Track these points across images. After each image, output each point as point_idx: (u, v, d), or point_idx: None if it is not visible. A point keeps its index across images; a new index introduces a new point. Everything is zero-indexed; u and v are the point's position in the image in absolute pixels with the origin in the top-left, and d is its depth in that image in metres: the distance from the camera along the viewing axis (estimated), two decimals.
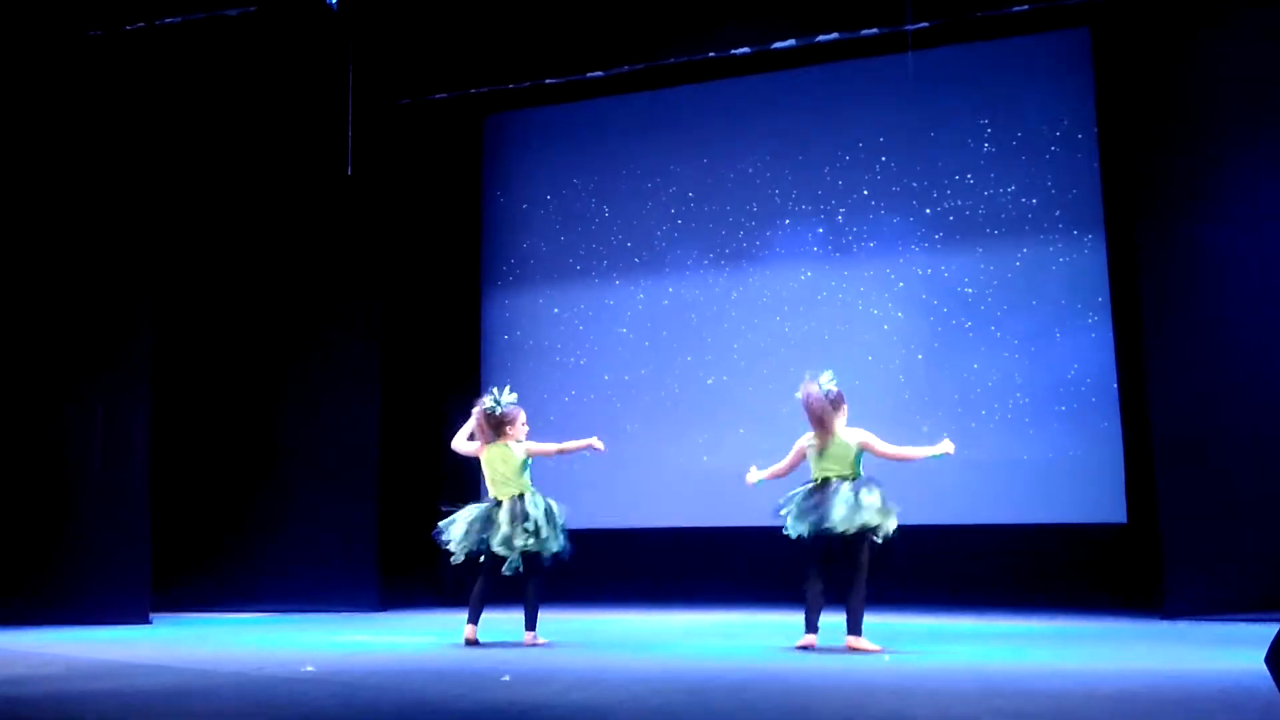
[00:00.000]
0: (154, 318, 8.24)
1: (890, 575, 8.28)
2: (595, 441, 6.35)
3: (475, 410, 6.30)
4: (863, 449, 5.65)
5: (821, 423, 5.64)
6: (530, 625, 6.18)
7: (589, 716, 3.92)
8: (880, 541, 5.58)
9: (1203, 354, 6.92)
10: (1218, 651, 5.32)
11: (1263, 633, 5.53)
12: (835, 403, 5.69)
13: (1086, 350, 8.33)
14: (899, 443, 5.79)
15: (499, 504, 6.16)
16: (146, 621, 7.68)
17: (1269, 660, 4.10)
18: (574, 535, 9.38)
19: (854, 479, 5.60)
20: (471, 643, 6.08)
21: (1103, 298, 8.32)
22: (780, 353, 9.01)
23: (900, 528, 5.63)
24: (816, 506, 5.54)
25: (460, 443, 6.38)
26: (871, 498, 5.52)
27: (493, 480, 6.25)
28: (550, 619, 7.69)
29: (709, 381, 9.28)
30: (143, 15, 8.04)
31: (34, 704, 4.39)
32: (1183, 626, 6.47)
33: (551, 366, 9.74)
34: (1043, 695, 4.17)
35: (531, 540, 6.02)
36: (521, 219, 10.02)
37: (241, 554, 8.72)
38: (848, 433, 5.68)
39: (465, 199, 10.06)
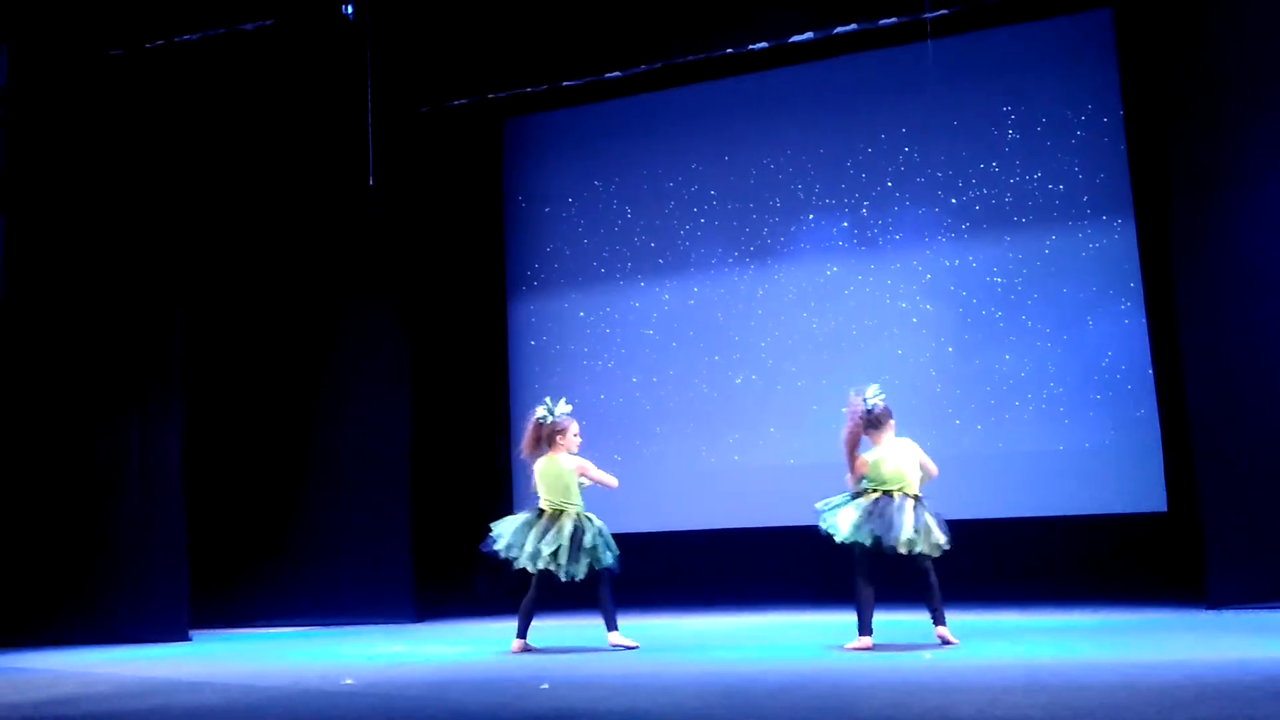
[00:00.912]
0: (185, 336, 8.30)
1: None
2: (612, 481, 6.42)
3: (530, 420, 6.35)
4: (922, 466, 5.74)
5: (855, 439, 5.71)
6: (611, 626, 6.21)
7: None
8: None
9: (1238, 336, 6.80)
10: (1263, 640, 5.24)
11: None
12: (880, 419, 5.72)
13: (1120, 337, 8.23)
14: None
15: (541, 513, 6.17)
16: (186, 639, 7.72)
17: None
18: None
19: (915, 498, 5.65)
20: (526, 650, 6.14)
21: (1135, 283, 8.21)
22: (808, 349, 8.96)
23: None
24: (881, 517, 5.54)
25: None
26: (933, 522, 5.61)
27: (544, 492, 6.27)
28: (586, 624, 7.69)
29: (738, 380, 9.24)
30: (163, 34, 8.10)
31: None
32: (1227, 616, 6.37)
33: (579, 371, 9.73)
34: (1087, 689, 4.12)
35: (580, 559, 6.05)
36: (544, 223, 10.01)
37: (277, 568, 8.75)
38: (903, 448, 5.72)
39: (487, 204, 10.06)
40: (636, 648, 6.09)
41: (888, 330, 8.81)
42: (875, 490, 5.66)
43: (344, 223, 8.92)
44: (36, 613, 7.87)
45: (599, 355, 9.71)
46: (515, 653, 6.14)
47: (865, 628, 5.64)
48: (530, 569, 6.11)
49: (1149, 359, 8.10)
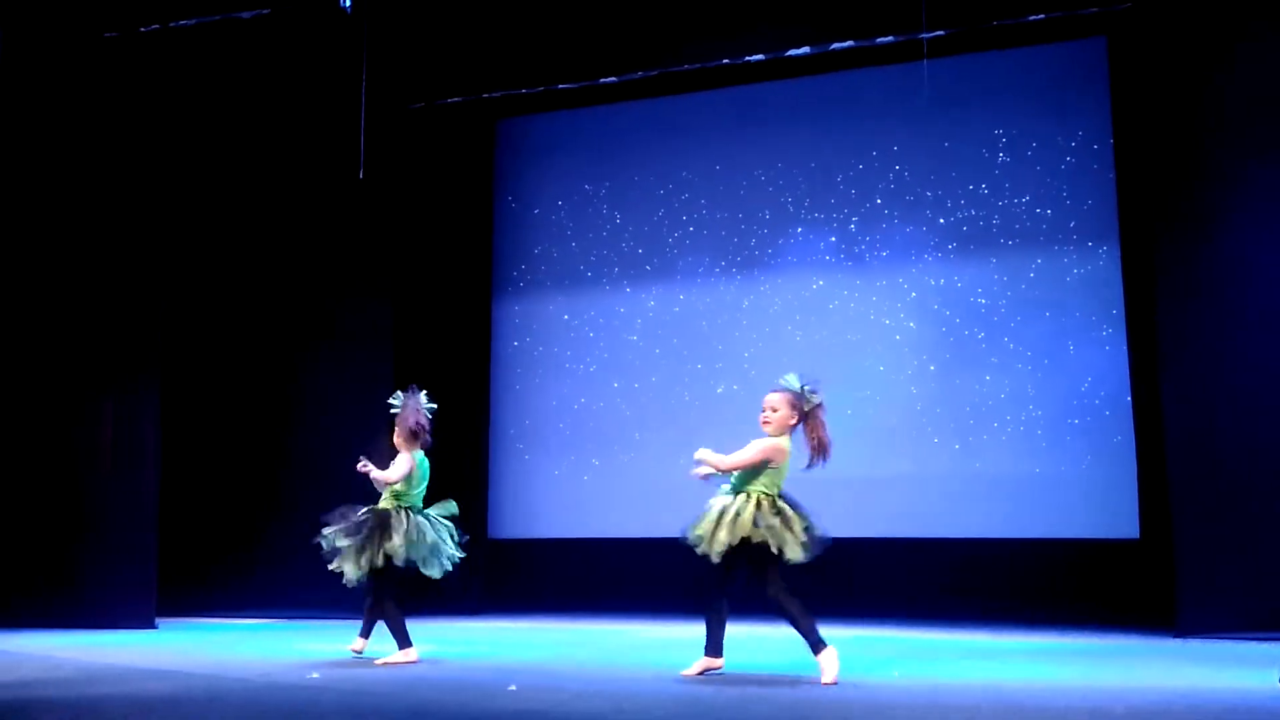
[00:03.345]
0: (165, 323, 8.25)
1: (899, 590, 8.28)
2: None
3: (418, 410, 6.09)
4: None
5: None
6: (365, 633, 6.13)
7: None
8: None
9: (1218, 368, 6.85)
10: (1231, 670, 5.26)
11: (1277, 652, 5.48)
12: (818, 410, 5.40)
13: (1100, 363, 8.27)
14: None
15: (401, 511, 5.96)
16: (153, 626, 7.67)
17: None
18: (582, 544, 9.39)
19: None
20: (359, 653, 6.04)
21: (1117, 310, 8.26)
22: (792, 361, 8.89)
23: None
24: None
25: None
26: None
27: (412, 487, 6.04)
28: (557, 628, 7.66)
29: (719, 390, 9.24)
30: (157, 17, 8.06)
31: (44, 706, 4.38)
32: (1195, 645, 6.40)
33: (561, 373, 9.72)
34: (1053, 712, 4.13)
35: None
36: (533, 225, 10.00)
37: (247, 560, 8.70)
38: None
39: (477, 204, 10.04)
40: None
41: (871, 346, 8.84)
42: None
43: (332, 216, 8.89)
44: (2, 594, 7.80)
45: (581, 359, 9.70)
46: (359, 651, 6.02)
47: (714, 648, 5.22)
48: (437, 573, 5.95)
49: (1128, 387, 8.14)
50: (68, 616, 7.64)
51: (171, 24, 8.03)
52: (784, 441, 5.24)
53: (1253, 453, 6.67)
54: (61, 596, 7.77)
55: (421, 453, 6.13)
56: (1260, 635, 6.38)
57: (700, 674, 5.18)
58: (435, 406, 6.23)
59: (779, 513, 5.05)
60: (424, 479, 6.11)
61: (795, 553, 4.95)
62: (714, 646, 5.26)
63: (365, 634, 6.15)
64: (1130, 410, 8.11)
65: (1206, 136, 6.99)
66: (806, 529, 5.03)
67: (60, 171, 8.23)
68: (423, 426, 6.10)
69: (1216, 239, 6.93)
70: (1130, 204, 8.16)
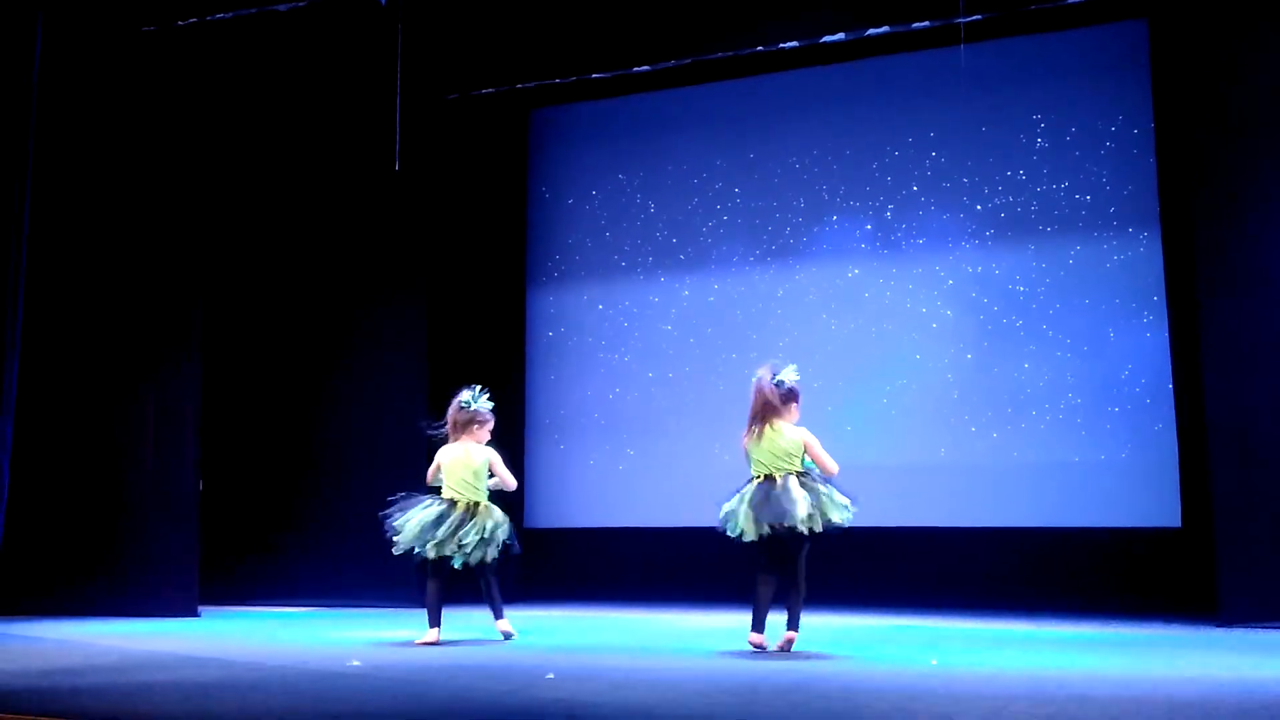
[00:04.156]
0: (205, 308, 8.34)
1: (939, 579, 8.24)
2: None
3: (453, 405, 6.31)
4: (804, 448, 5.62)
5: (760, 413, 5.62)
6: (498, 615, 6.22)
7: (634, 716, 3.90)
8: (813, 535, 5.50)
9: (1260, 355, 6.75)
10: (1274, 660, 5.19)
11: None
12: (785, 397, 5.65)
13: (1141, 350, 8.18)
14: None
15: (453, 504, 6.12)
16: (195, 614, 7.77)
17: None
18: (618, 534, 9.41)
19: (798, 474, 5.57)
20: (433, 644, 6.04)
21: (1158, 296, 8.15)
22: (826, 351, 8.92)
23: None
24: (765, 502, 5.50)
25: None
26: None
27: (451, 480, 6.19)
28: (593, 616, 7.69)
29: (754, 380, 9.20)
30: (195, 11, 8.13)
31: (91, 694, 4.46)
32: (1238, 634, 6.33)
33: (595, 363, 9.74)
34: (1094, 701, 4.10)
35: (485, 548, 6.03)
36: (567, 215, 10.01)
37: (288, 548, 8.80)
38: (792, 429, 5.65)
39: (511, 194, 10.07)
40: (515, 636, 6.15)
41: (907, 335, 8.78)
42: (759, 475, 5.62)
43: (368, 207, 8.94)
44: (48, 582, 7.94)
45: (616, 349, 9.71)
46: (428, 644, 6.04)
47: (758, 624, 5.60)
48: (432, 555, 6.04)
49: (1169, 374, 8.04)
50: (111, 605, 7.76)
51: (208, 18, 8.10)
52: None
53: None
54: (105, 585, 7.89)
55: (456, 444, 6.27)
56: None
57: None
58: (467, 400, 6.28)
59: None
60: (454, 470, 6.19)
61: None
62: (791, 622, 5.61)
63: (497, 615, 6.25)
64: (1171, 397, 8.01)
65: (1249, 121, 6.87)
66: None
67: (101, 163, 8.33)
68: (449, 420, 6.30)
69: (1259, 225, 6.82)
70: (1171, 190, 8.05)
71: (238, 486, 9.05)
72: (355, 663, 5.29)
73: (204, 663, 5.38)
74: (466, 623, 6.46)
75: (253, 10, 8.06)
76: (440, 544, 6.02)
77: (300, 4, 8.03)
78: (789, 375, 5.75)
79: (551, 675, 4.83)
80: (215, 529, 8.64)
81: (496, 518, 6.16)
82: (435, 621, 6.12)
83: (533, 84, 8.98)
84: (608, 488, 9.53)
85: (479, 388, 6.40)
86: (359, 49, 8.67)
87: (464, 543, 6.00)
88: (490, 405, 6.37)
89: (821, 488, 5.53)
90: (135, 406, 8.09)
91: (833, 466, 5.64)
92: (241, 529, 8.96)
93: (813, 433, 5.73)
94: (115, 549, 7.97)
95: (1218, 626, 6.58)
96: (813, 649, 5.79)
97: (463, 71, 8.93)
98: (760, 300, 9.28)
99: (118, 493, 8.04)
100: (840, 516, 5.48)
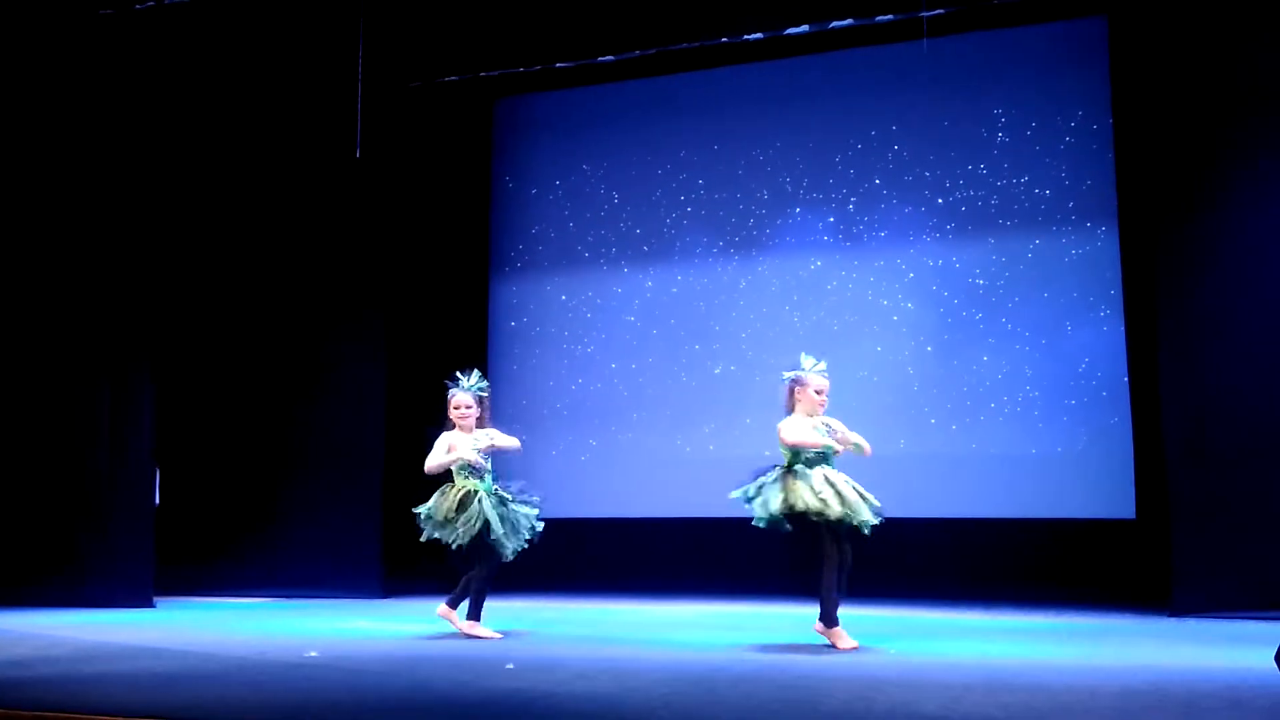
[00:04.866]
0: (160, 298, 8.23)
1: (898, 569, 8.29)
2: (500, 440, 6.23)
3: (484, 395, 6.24)
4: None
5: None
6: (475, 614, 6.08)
7: (594, 706, 3.90)
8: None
9: (1215, 349, 6.85)
10: (1225, 649, 5.28)
11: (1271, 631, 5.51)
12: (787, 391, 5.65)
13: (1097, 344, 8.27)
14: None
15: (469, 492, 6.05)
16: (150, 605, 7.68)
17: (1278, 658, 4.07)
18: (579, 524, 9.38)
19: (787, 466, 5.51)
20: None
21: (1115, 291, 8.25)
22: (788, 342, 8.91)
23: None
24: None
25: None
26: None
27: (471, 469, 6.14)
28: (557, 608, 7.69)
29: (716, 370, 9.24)
30: None
31: (40, 685, 4.39)
32: (1190, 624, 6.43)
33: (558, 354, 9.71)
34: (1049, 690, 4.15)
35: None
36: (531, 204, 9.97)
37: (245, 539, 8.71)
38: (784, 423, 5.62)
39: (474, 183, 10.01)
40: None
41: (868, 327, 8.83)
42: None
43: (329, 195, 8.86)
44: (1, 574, 7.81)
45: (579, 339, 9.69)
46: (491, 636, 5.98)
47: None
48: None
49: (1125, 367, 8.14)
50: (66, 596, 7.65)
51: (167, 1, 7.97)
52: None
53: (1248, 434, 6.68)
54: (60, 576, 7.78)
55: (454, 432, 6.24)
56: (1254, 614, 6.42)
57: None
58: (454, 388, 6.24)
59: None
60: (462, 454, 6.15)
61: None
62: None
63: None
64: (1127, 391, 8.11)
65: (1206, 117, 6.96)
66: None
67: (53, 152, 8.18)
68: (485, 406, 6.30)
69: (1215, 220, 6.92)
70: (1129, 185, 8.14)
71: (194, 476, 8.95)
72: (312, 653, 5.25)
73: (159, 654, 5.31)
74: (424, 614, 6.43)
75: None
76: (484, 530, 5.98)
77: None
78: (795, 371, 5.67)
79: (511, 665, 4.82)
80: (172, 519, 8.53)
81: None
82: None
83: (496, 73, 8.92)
84: (570, 478, 9.51)
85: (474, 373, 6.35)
86: (321, 35, 8.56)
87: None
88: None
89: (791, 481, 5.44)
90: (91, 398, 7.97)
91: (788, 438, 5.50)
92: (198, 519, 8.86)
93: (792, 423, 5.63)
94: (71, 540, 7.86)
95: (1170, 616, 6.68)
96: (771, 639, 5.81)
97: (426, 59, 8.84)
98: (723, 292, 9.30)
99: (74, 484, 7.92)
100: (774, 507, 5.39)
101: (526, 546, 6.08)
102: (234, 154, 9.10)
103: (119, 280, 8.04)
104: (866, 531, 5.42)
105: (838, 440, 5.58)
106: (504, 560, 6.01)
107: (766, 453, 5.98)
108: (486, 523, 5.93)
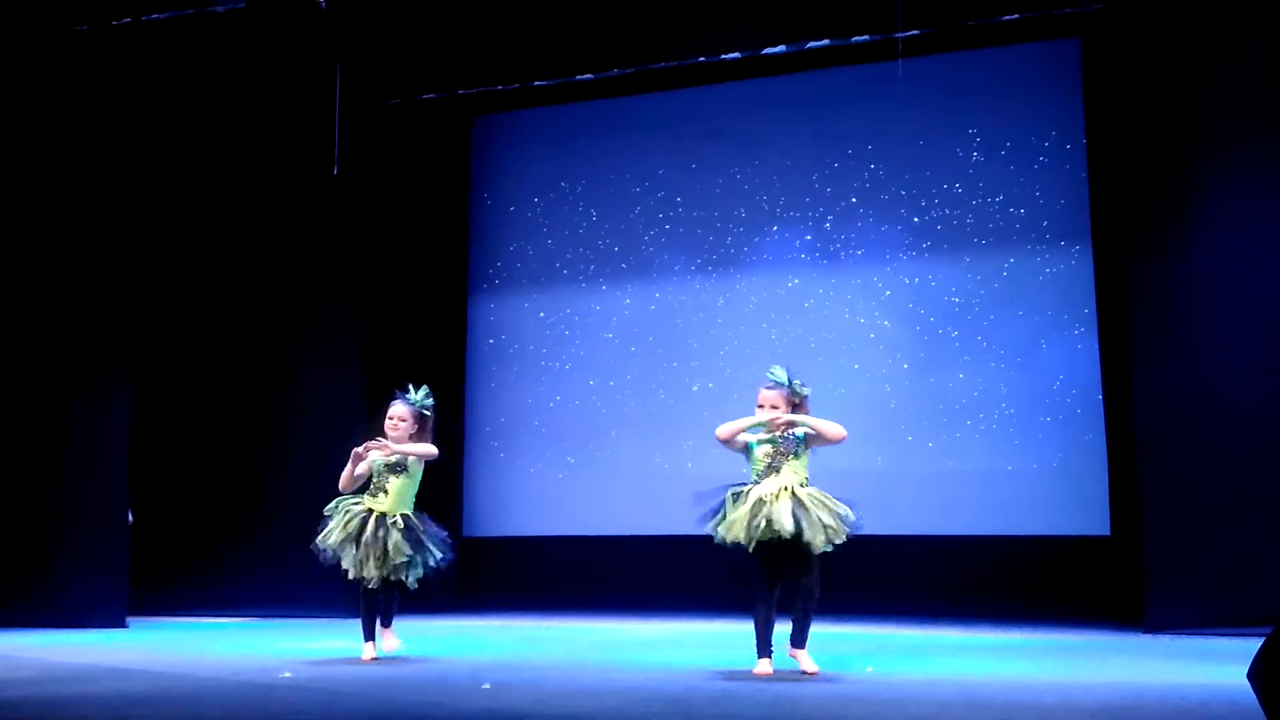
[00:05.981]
0: (137, 314, 8.18)
1: (873, 586, 8.31)
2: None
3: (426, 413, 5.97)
4: None
5: None
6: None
7: None
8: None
9: (1188, 367, 6.91)
10: (1199, 666, 5.31)
11: (1245, 648, 5.53)
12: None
13: (1072, 361, 8.34)
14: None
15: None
16: (123, 625, 7.60)
17: (1251, 675, 4.09)
18: (558, 542, 9.36)
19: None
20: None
21: (1089, 309, 8.33)
22: (766, 360, 8.89)
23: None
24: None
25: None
26: None
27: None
28: (532, 626, 7.66)
29: (694, 388, 9.26)
30: (130, 11, 7.98)
31: (8, 707, 4.33)
32: (1164, 640, 6.47)
33: (537, 371, 9.70)
34: (1024, 707, 4.16)
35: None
36: (509, 222, 9.98)
37: (219, 559, 8.64)
38: None
39: (452, 201, 10.01)
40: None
41: (845, 345, 8.87)
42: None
43: (307, 212, 8.84)
44: None
45: (557, 357, 9.69)
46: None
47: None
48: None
49: (1099, 385, 8.21)
50: (37, 616, 7.56)
51: (144, 18, 7.95)
52: None
53: (1222, 451, 6.73)
54: (31, 596, 7.69)
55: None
56: (1227, 631, 6.45)
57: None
58: (398, 404, 6.09)
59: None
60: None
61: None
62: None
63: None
64: (1101, 408, 8.18)
65: (1179, 138, 7.05)
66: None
67: (30, 165, 8.14)
68: (430, 425, 6.02)
69: (1188, 239, 6.99)
70: (1103, 204, 8.23)
71: (168, 496, 8.87)
72: (286, 674, 5.21)
73: (130, 674, 5.25)
74: (400, 633, 6.39)
75: (190, 11, 7.94)
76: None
77: (238, 5, 7.93)
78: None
79: (488, 685, 4.79)
80: (145, 538, 8.45)
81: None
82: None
83: (475, 90, 8.95)
84: (547, 496, 9.50)
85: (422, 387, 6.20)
86: (298, 52, 8.57)
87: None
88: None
89: (728, 509, 5.38)
90: (63, 415, 7.91)
91: (717, 434, 5.45)
92: (172, 539, 8.78)
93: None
94: (42, 559, 7.78)
95: (1144, 633, 6.72)
96: (750, 658, 5.80)
97: (404, 76, 8.86)
98: (701, 309, 9.32)
99: (46, 502, 7.84)
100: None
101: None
102: (212, 170, 9.08)
103: (94, 293, 8.00)
104: (814, 551, 5.34)
105: (768, 426, 5.48)
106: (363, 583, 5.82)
107: (744, 470, 5.97)
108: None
